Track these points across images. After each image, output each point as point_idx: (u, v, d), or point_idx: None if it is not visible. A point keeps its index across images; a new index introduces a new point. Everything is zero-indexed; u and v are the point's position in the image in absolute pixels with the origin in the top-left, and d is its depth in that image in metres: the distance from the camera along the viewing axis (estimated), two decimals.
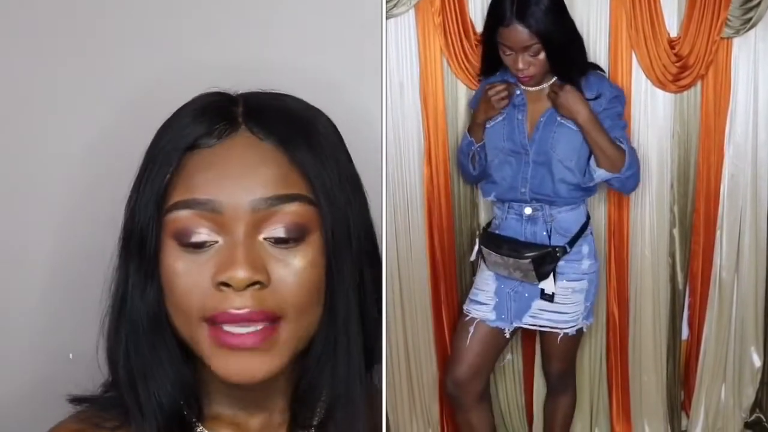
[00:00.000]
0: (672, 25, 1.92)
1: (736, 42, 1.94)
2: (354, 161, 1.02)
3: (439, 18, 1.92)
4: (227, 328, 0.92)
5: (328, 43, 1.30)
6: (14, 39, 1.27)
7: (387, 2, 1.83)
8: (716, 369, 2.09)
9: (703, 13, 1.90)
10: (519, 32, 1.73)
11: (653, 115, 1.97)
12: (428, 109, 1.97)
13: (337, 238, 0.97)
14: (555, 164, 1.80)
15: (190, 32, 1.28)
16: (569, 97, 1.77)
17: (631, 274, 2.03)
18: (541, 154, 1.81)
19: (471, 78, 1.95)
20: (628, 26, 1.91)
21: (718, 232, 2.03)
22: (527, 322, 1.87)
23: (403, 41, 1.94)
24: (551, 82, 1.83)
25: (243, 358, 0.93)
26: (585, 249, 1.86)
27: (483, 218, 2.03)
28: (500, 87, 1.81)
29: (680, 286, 2.05)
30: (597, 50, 1.92)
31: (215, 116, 0.96)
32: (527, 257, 1.81)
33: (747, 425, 2.13)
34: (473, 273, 2.01)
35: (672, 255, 2.03)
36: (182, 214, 0.93)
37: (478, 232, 2.03)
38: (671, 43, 1.92)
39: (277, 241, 0.93)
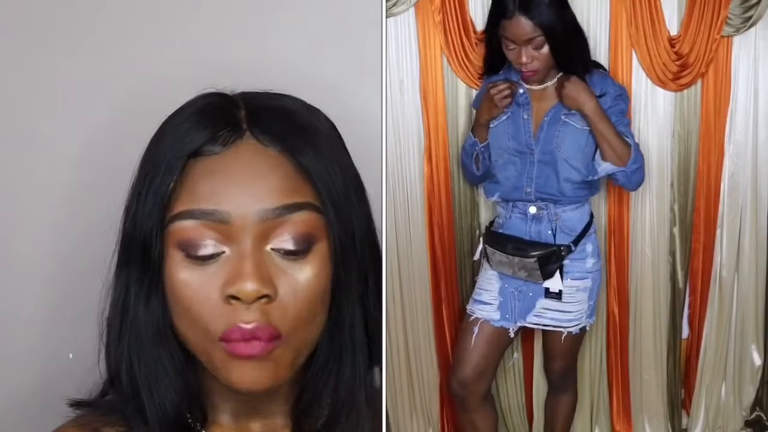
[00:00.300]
0: (672, 23, 1.92)
1: (737, 40, 1.93)
2: (354, 159, 1.02)
3: (439, 16, 1.91)
4: (236, 341, 0.92)
5: (329, 42, 1.30)
6: (13, 38, 1.27)
7: (387, 1, 1.83)
8: (717, 367, 2.09)
9: (704, 11, 1.89)
10: (522, 24, 1.73)
11: (653, 113, 1.96)
12: (428, 107, 1.96)
13: (343, 245, 0.96)
14: (560, 163, 1.80)
15: (190, 32, 1.28)
16: (576, 87, 1.77)
17: (631, 273, 2.03)
18: (547, 154, 1.81)
19: (471, 76, 1.94)
20: (628, 25, 1.90)
21: (718, 231, 2.03)
22: (532, 321, 1.86)
23: (403, 40, 1.94)
24: (554, 80, 1.83)
25: (251, 368, 0.93)
26: (589, 247, 1.86)
27: (483, 216, 2.02)
28: (503, 86, 1.81)
29: (680, 285, 2.04)
30: (597, 49, 1.91)
31: (218, 121, 0.95)
32: (533, 256, 1.80)
33: (747, 423, 2.12)
34: (474, 271, 2.01)
35: (672, 254, 2.03)
36: (187, 224, 0.92)
37: (478, 231, 2.02)
38: (671, 41, 1.92)
39: (286, 253, 0.93)
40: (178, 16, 1.28)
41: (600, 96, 1.79)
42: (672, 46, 1.92)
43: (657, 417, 2.10)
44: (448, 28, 1.92)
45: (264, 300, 0.91)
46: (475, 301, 1.90)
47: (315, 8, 1.29)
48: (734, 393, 2.10)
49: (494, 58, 1.86)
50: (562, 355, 1.94)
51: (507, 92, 1.80)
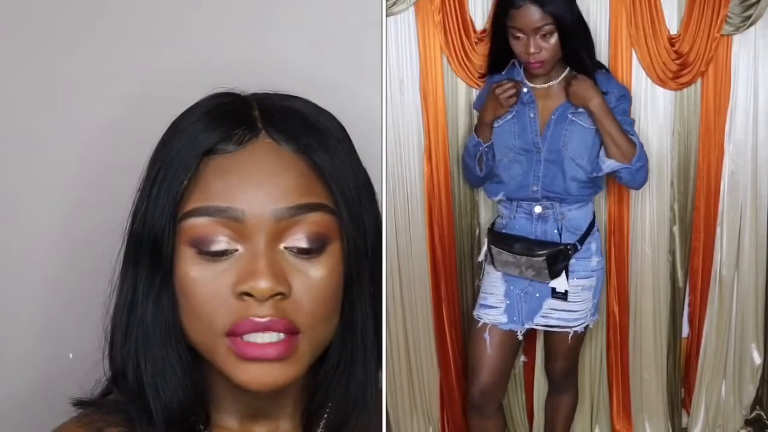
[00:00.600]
0: (672, 22, 1.92)
1: (736, 39, 1.94)
2: None
3: (438, 16, 1.92)
4: (248, 338, 0.91)
5: (329, 42, 1.30)
6: (13, 38, 1.27)
7: (387, 0, 1.83)
8: (717, 366, 2.09)
9: (703, 10, 1.90)
10: (531, 12, 1.74)
11: (653, 112, 1.97)
12: (428, 106, 1.97)
13: (356, 247, 0.96)
14: (567, 162, 1.81)
15: (190, 32, 1.28)
16: (583, 84, 1.78)
17: (631, 272, 2.04)
18: (554, 152, 1.81)
19: (471, 76, 1.95)
20: (628, 24, 1.91)
21: (718, 230, 2.03)
22: (539, 322, 1.87)
23: (403, 39, 1.94)
24: (559, 79, 1.83)
25: (263, 368, 0.92)
26: (593, 246, 1.87)
27: (483, 216, 2.03)
28: (508, 84, 1.81)
29: (680, 284, 2.05)
30: (597, 48, 1.91)
31: (233, 120, 0.95)
32: (541, 255, 1.81)
33: (747, 422, 2.13)
34: (473, 270, 2.02)
35: (672, 252, 2.03)
36: (200, 221, 0.92)
37: (478, 231, 2.03)
38: (671, 40, 1.92)
39: (299, 252, 0.93)
40: (178, 16, 1.27)
41: (603, 95, 1.79)
42: (672, 45, 1.92)
43: (657, 416, 2.10)
44: (447, 27, 1.92)
45: (278, 297, 0.91)
46: (482, 305, 1.89)
47: (315, 8, 1.29)
48: (734, 392, 2.10)
49: (498, 55, 1.86)
50: (564, 355, 1.94)
51: (512, 91, 1.80)
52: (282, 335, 0.92)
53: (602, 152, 1.80)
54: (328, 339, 0.97)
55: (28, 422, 1.19)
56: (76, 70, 1.27)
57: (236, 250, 0.92)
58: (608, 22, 1.92)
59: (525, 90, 1.84)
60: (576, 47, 1.80)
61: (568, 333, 1.88)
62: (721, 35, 1.92)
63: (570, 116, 1.81)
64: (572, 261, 1.83)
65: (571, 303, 1.85)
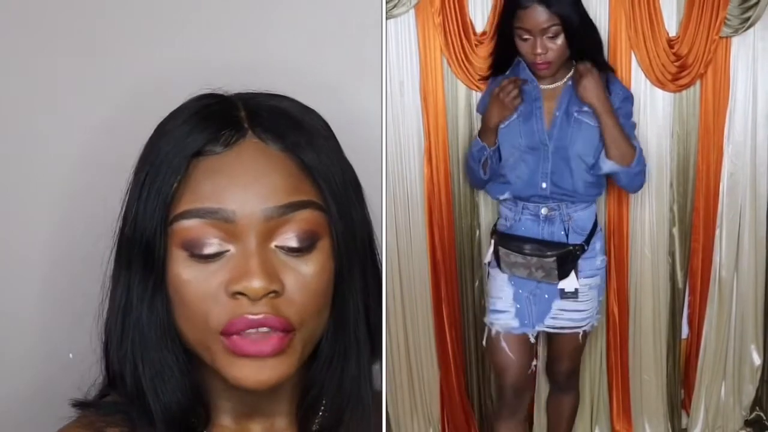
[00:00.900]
0: (671, 24, 1.92)
1: (735, 41, 1.94)
2: (354, 160, 1.03)
3: (438, 18, 1.92)
4: (242, 334, 0.92)
5: (329, 44, 1.30)
6: (13, 38, 1.27)
7: (387, 3, 1.84)
8: (716, 367, 2.09)
9: (702, 12, 1.90)
10: (539, 12, 1.74)
11: (653, 114, 1.97)
12: (428, 108, 1.97)
13: (345, 242, 0.97)
14: (573, 159, 1.81)
15: (190, 32, 1.28)
16: (594, 81, 1.77)
17: (630, 273, 2.03)
18: (561, 149, 1.81)
19: (471, 78, 1.95)
20: (627, 26, 1.91)
21: (717, 231, 2.03)
22: (549, 324, 1.87)
23: (403, 41, 1.94)
24: (564, 79, 1.83)
25: (257, 364, 0.93)
26: (597, 245, 1.88)
27: (483, 216, 2.03)
28: (509, 85, 1.80)
29: (680, 285, 2.05)
30: None
31: (219, 122, 0.95)
32: (551, 256, 1.81)
33: (747, 423, 2.13)
34: (474, 271, 2.02)
35: (672, 254, 2.03)
36: (191, 224, 0.92)
37: (478, 232, 2.03)
38: (670, 42, 1.92)
39: (290, 250, 0.93)
40: (178, 16, 1.28)
41: (611, 96, 1.81)
42: (671, 47, 1.92)
43: (657, 417, 2.10)
44: (448, 29, 1.92)
45: (272, 295, 0.92)
46: (492, 311, 1.89)
47: (315, 8, 1.29)
48: (734, 392, 2.10)
49: (502, 56, 1.87)
50: (570, 355, 1.94)
51: (515, 92, 1.79)
52: (275, 332, 0.92)
53: (603, 152, 1.81)
54: (319, 334, 0.98)
55: (27, 422, 1.19)
56: (76, 70, 1.27)
57: (228, 251, 0.93)
58: (607, 24, 1.92)
59: (534, 84, 1.82)
60: (583, 47, 1.80)
61: (578, 333, 1.88)
62: (720, 37, 1.92)
63: (575, 115, 1.81)
64: (580, 261, 1.84)
65: (579, 303, 1.85)
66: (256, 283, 0.90)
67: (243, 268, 0.91)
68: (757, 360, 2.09)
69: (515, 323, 1.86)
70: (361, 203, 1.02)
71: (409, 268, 2.01)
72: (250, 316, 0.91)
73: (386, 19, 1.76)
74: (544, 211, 1.84)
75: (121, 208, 0.99)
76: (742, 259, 2.04)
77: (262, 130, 0.95)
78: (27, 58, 1.27)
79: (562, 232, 1.84)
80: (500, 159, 1.86)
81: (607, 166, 1.80)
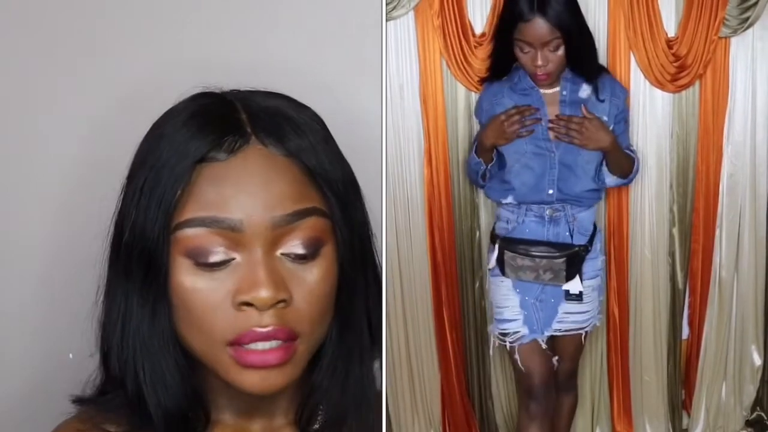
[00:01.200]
0: (670, 25, 1.92)
1: (734, 41, 1.94)
2: (354, 162, 1.02)
3: (438, 20, 1.92)
4: (249, 346, 0.92)
5: (329, 46, 1.30)
6: (13, 38, 1.27)
7: (387, 4, 1.84)
8: (717, 367, 2.09)
9: (701, 12, 1.90)
10: (540, 27, 1.73)
11: (652, 115, 1.97)
12: (428, 110, 1.97)
13: (349, 246, 0.97)
14: (580, 166, 1.81)
15: (190, 32, 1.29)
16: (593, 126, 1.78)
17: (631, 274, 2.03)
18: (568, 156, 1.81)
19: (470, 80, 1.95)
20: (626, 27, 1.91)
21: (717, 231, 2.03)
22: (555, 328, 1.87)
23: (402, 43, 1.94)
24: (562, 81, 1.83)
25: (263, 374, 0.93)
26: (598, 246, 1.88)
27: (483, 219, 2.03)
28: (515, 115, 1.80)
29: (680, 286, 2.05)
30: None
31: (221, 127, 0.94)
32: (561, 257, 1.81)
33: (748, 423, 2.12)
34: (474, 273, 2.02)
35: (672, 254, 2.03)
36: (196, 232, 0.91)
37: (478, 234, 2.02)
38: (669, 43, 1.92)
39: (296, 257, 0.93)
40: (178, 16, 1.28)
41: (606, 99, 1.82)
42: (670, 47, 1.92)
43: (658, 417, 2.10)
44: (447, 31, 1.92)
45: (280, 305, 0.91)
46: (499, 321, 1.88)
47: (315, 8, 1.30)
48: (735, 393, 2.10)
49: (501, 62, 1.86)
50: (573, 356, 1.94)
51: (517, 126, 1.79)
52: (281, 342, 0.92)
53: (605, 168, 1.85)
54: (322, 338, 0.98)
55: (27, 421, 1.19)
56: (75, 70, 1.27)
57: (233, 259, 0.92)
58: (606, 25, 1.92)
59: (541, 119, 1.81)
60: (581, 55, 1.80)
61: (580, 334, 1.89)
62: (719, 37, 1.92)
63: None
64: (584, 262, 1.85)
65: (582, 304, 1.85)
66: (264, 293, 0.90)
67: (250, 277, 0.91)
68: (758, 360, 2.09)
69: (525, 330, 1.86)
70: (360, 203, 1.02)
71: (410, 269, 2.01)
72: (258, 329, 0.91)
73: (386, 20, 1.76)
74: (548, 212, 1.84)
75: (115, 212, 0.98)
76: (742, 260, 2.04)
77: (265, 135, 0.94)
78: (27, 58, 1.27)
79: (567, 233, 1.84)
80: (501, 162, 1.87)
81: (610, 180, 1.86)
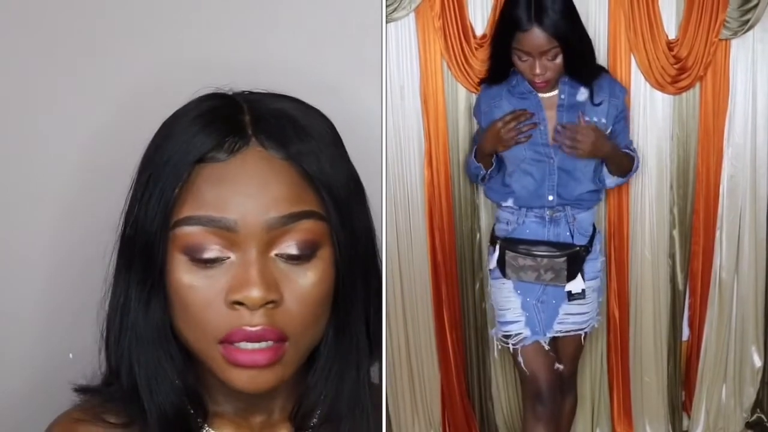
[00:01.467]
0: (670, 27, 1.93)
1: (735, 43, 1.94)
2: (355, 162, 1.02)
3: (438, 22, 1.92)
4: (239, 344, 0.93)
5: (329, 47, 1.30)
6: (13, 38, 1.27)
7: (387, 6, 1.84)
8: (717, 369, 2.09)
9: (702, 14, 1.90)
10: (538, 37, 1.73)
11: (652, 116, 1.97)
12: (429, 111, 1.97)
13: (347, 250, 0.97)
14: (578, 170, 1.82)
15: (190, 32, 1.28)
16: (588, 136, 1.77)
17: (631, 276, 2.04)
18: (567, 161, 1.81)
19: (471, 81, 1.95)
20: (626, 29, 1.91)
21: (717, 233, 2.04)
22: (556, 329, 1.87)
23: (403, 45, 1.94)
24: (560, 84, 1.83)
25: (252, 373, 0.94)
26: (597, 247, 1.88)
27: (484, 219, 2.03)
28: (512, 122, 1.80)
29: (680, 287, 2.05)
30: (596, 53, 1.92)
31: (224, 127, 0.95)
32: (562, 256, 1.81)
33: (748, 425, 2.13)
34: (474, 274, 2.02)
35: (672, 256, 2.03)
36: (193, 230, 0.93)
37: (478, 235, 2.03)
38: (670, 45, 1.93)
39: (289, 258, 0.94)
40: (178, 16, 1.27)
41: (603, 101, 1.82)
42: (670, 49, 1.93)
43: (658, 419, 2.10)
44: (448, 33, 1.93)
45: (270, 306, 0.92)
46: (501, 323, 1.88)
47: (315, 8, 1.29)
48: (735, 394, 2.10)
49: (499, 68, 1.86)
50: (572, 357, 1.94)
51: (514, 132, 1.79)
52: (271, 342, 0.93)
53: (605, 170, 1.85)
54: (315, 341, 0.98)
55: (27, 421, 1.19)
56: (76, 70, 1.27)
57: (228, 258, 0.93)
58: (607, 26, 1.93)
59: (538, 124, 1.82)
60: (580, 64, 1.80)
61: (580, 335, 1.89)
62: (720, 39, 1.92)
63: (578, 124, 1.82)
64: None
65: (583, 305, 1.86)
66: (255, 293, 0.91)
67: (242, 277, 0.92)
68: (758, 362, 2.09)
69: (527, 332, 1.85)
70: (364, 209, 1.02)
71: (410, 270, 2.01)
72: (248, 329, 0.92)
73: (386, 22, 1.76)
74: (549, 213, 1.84)
75: (124, 206, 0.99)
76: (742, 261, 2.04)
77: (265, 138, 0.95)
78: (27, 58, 1.27)
79: (568, 233, 1.84)
80: (501, 166, 1.88)
81: (612, 180, 1.87)
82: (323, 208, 0.95)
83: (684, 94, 1.96)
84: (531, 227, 1.85)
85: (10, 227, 1.30)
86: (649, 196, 2.00)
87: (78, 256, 1.26)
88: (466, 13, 1.93)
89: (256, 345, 0.93)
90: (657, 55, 1.92)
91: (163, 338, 0.98)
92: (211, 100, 1.00)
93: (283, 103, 1.00)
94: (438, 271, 2.02)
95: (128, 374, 0.99)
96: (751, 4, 1.90)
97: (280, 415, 1.04)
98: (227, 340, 0.93)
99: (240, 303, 0.92)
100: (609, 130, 1.83)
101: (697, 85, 1.96)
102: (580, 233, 1.85)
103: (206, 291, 0.93)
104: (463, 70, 1.94)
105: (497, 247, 1.88)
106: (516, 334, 1.86)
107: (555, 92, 1.83)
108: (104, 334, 1.02)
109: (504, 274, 1.87)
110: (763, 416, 2.13)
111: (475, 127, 1.96)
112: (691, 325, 2.10)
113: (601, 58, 1.93)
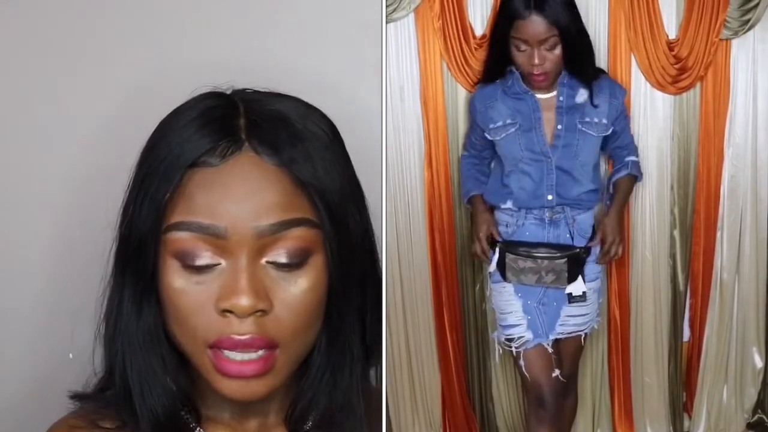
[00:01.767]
0: (671, 27, 1.93)
1: (735, 43, 1.94)
2: (354, 165, 1.02)
3: (438, 22, 1.92)
4: (228, 353, 0.92)
5: (329, 47, 1.30)
6: (13, 38, 1.27)
7: (387, 6, 1.84)
8: (718, 370, 2.09)
9: (702, 14, 1.90)
10: (537, 24, 1.73)
11: (653, 117, 1.97)
12: (428, 112, 1.97)
13: (341, 256, 0.96)
14: (577, 169, 1.82)
15: (191, 32, 1.28)
16: (614, 231, 1.86)
17: (632, 276, 2.03)
18: (565, 161, 1.81)
19: (471, 81, 1.95)
20: (627, 28, 1.91)
21: (718, 233, 2.03)
22: (558, 331, 1.87)
23: (402, 45, 1.94)
24: (558, 85, 1.82)
25: (240, 383, 0.93)
26: (596, 248, 1.88)
27: None
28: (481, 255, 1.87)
29: (681, 288, 2.05)
30: (596, 53, 1.92)
31: (218, 131, 0.94)
32: (563, 257, 1.81)
33: (749, 426, 2.12)
34: (474, 275, 2.02)
35: (673, 256, 2.03)
36: (183, 236, 0.92)
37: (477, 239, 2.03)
38: (670, 45, 1.93)
39: (280, 266, 0.93)
40: (178, 16, 1.28)
41: (614, 100, 1.83)
42: (671, 49, 1.93)
43: (658, 420, 2.10)
44: (447, 33, 1.93)
45: (259, 314, 0.92)
46: (503, 327, 1.88)
47: (315, 8, 1.30)
48: (736, 395, 2.10)
49: (495, 64, 1.86)
50: (573, 358, 1.94)
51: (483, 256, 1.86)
52: (261, 352, 0.92)
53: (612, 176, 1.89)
54: (307, 349, 0.98)
55: (26, 420, 1.19)
56: (76, 70, 1.27)
57: (219, 264, 0.92)
58: (607, 26, 1.92)
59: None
60: (578, 56, 1.80)
61: (581, 336, 1.89)
62: (720, 39, 1.92)
63: (579, 126, 1.82)
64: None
65: (583, 307, 1.86)
66: (244, 301, 0.90)
67: (232, 284, 0.91)
68: (759, 363, 2.09)
69: (529, 335, 1.85)
70: (362, 213, 1.01)
71: (410, 271, 2.01)
72: (236, 337, 0.91)
73: (386, 22, 1.76)
74: (548, 214, 1.84)
75: (122, 204, 0.99)
76: (743, 262, 2.04)
77: (258, 143, 0.94)
78: (27, 58, 1.27)
79: (568, 235, 1.84)
80: (499, 164, 1.88)
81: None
82: (316, 214, 0.94)
83: (684, 95, 1.96)
84: (530, 229, 1.85)
85: (10, 227, 1.30)
86: (650, 196, 1.99)
87: (77, 255, 1.26)
88: (465, 14, 1.93)
89: (245, 356, 0.92)
90: (657, 55, 1.92)
91: (156, 340, 0.97)
92: (208, 100, 0.99)
93: (282, 103, 0.98)
94: (438, 272, 2.02)
95: (121, 376, 0.99)
96: (752, 4, 1.90)
97: (275, 419, 1.04)
98: (216, 346, 0.92)
99: (229, 311, 0.91)
100: (609, 131, 1.84)
101: (698, 85, 1.95)
102: (579, 235, 1.85)
103: (197, 296, 0.92)
104: (462, 70, 1.94)
105: (497, 249, 1.88)
106: (518, 338, 1.85)
107: (553, 93, 1.83)
108: (100, 334, 1.02)
109: (504, 277, 1.86)
110: (764, 417, 2.12)
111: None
112: (692, 326, 2.09)
113: (601, 58, 1.93)
